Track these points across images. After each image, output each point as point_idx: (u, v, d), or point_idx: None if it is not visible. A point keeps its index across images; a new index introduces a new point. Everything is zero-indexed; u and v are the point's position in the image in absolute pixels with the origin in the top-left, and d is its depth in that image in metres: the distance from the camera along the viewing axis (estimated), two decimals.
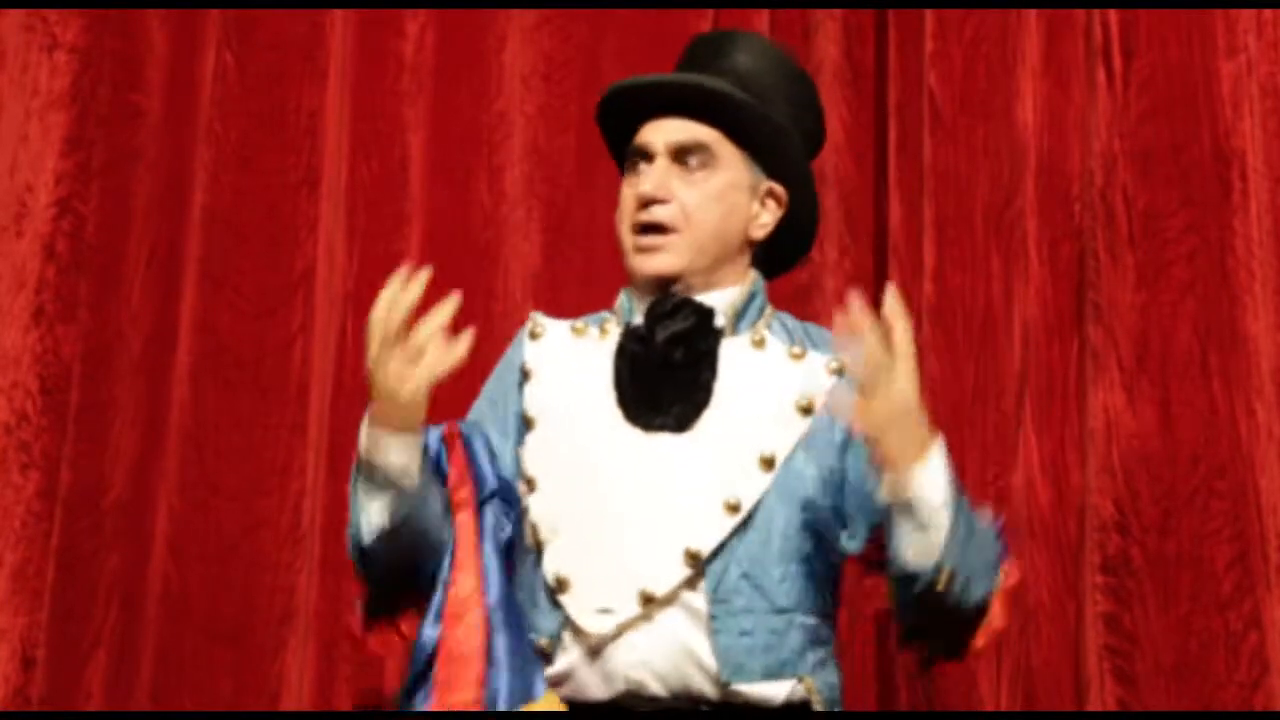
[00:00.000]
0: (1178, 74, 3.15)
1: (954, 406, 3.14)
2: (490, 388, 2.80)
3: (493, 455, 2.66)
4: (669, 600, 2.54)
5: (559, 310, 3.24)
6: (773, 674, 2.56)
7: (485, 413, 2.76)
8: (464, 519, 2.62)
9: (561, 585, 2.57)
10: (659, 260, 2.67)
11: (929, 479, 2.44)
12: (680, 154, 2.68)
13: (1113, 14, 3.17)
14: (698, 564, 2.55)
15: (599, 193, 3.32)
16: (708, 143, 2.69)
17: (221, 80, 3.46)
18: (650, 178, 2.67)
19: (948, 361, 3.17)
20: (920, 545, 2.45)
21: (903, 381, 2.42)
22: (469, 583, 2.58)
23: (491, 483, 2.64)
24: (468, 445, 2.65)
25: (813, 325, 2.83)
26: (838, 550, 2.64)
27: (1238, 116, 3.11)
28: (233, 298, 3.39)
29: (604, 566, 2.56)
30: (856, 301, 2.44)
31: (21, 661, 3.25)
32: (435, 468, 2.63)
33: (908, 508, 2.44)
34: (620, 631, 2.54)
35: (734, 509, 2.57)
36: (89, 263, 3.37)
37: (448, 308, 2.47)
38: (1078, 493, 3.10)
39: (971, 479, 3.08)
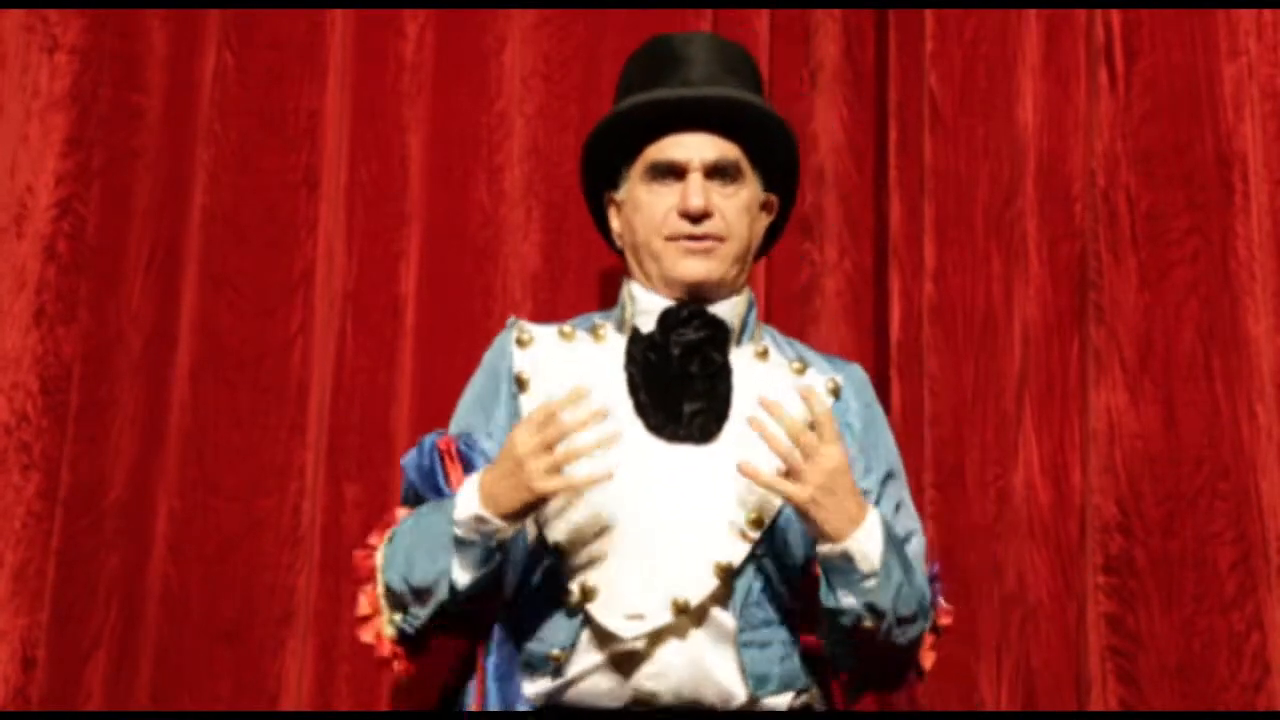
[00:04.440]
0: (1180, 76, 3.15)
1: (954, 406, 3.14)
2: (476, 396, 2.78)
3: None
4: (699, 614, 2.56)
5: (559, 310, 3.26)
6: (787, 685, 2.59)
7: (475, 422, 2.74)
8: None
9: (588, 594, 2.57)
10: (706, 265, 2.70)
11: (865, 538, 2.50)
12: (714, 171, 2.70)
13: (1115, 15, 3.18)
14: (727, 576, 2.56)
15: None
16: (737, 159, 2.71)
17: (221, 80, 3.45)
18: (696, 193, 2.68)
19: (948, 361, 3.17)
20: (853, 589, 2.51)
21: (829, 448, 2.48)
22: None
23: None
24: (466, 462, 2.66)
25: (795, 340, 2.86)
26: None
27: (1239, 119, 3.12)
28: (232, 298, 3.39)
29: (634, 575, 2.56)
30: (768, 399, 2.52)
31: (22, 662, 3.25)
32: (432, 483, 2.65)
33: (844, 560, 2.50)
34: (649, 640, 2.54)
35: (758, 524, 2.58)
36: (89, 263, 3.37)
37: (613, 434, 2.51)
38: (1078, 493, 3.10)
39: (971, 479, 3.09)
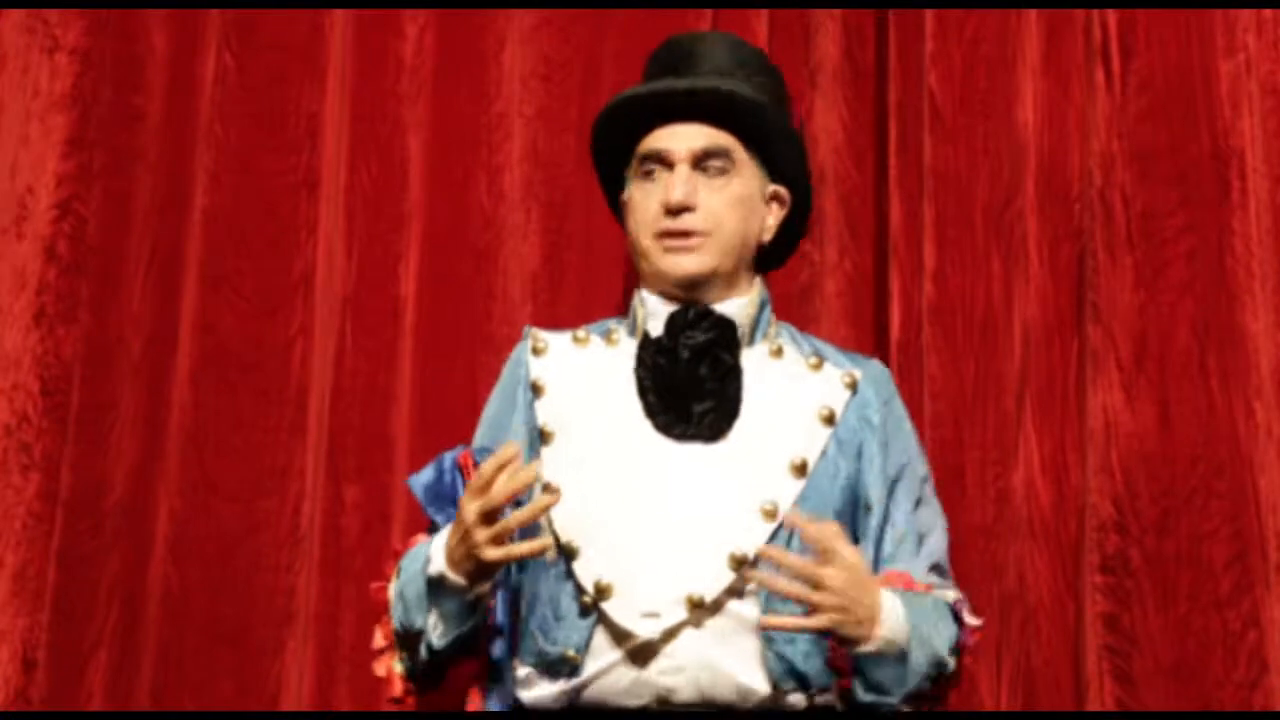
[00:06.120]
0: (1176, 74, 3.15)
1: (954, 406, 3.14)
2: (495, 409, 2.80)
3: None
4: (715, 607, 2.55)
5: (559, 312, 3.26)
6: (816, 681, 2.58)
7: (496, 436, 2.74)
8: None
9: (602, 592, 2.56)
10: (691, 260, 2.69)
11: (888, 630, 2.49)
12: (701, 160, 2.69)
13: (1111, 14, 3.18)
14: (741, 568, 2.55)
15: (598, 195, 3.31)
16: (729, 148, 2.70)
17: (221, 82, 3.46)
18: (679, 185, 2.67)
19: (948, 361, 3.17)
20: (885, 677, 2.51)
21: (833, 570, 2.45)
22: None
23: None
24: None
25: (812, 336, 2.86)
26: None
27: (1236, 116, 3.11)
28: (233, 299, 3.39)
29: (647, 572, 2.56)
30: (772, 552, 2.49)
31: (22, 663, 3.25)
32: (450, 498, 2.63)
33: (873, 656, 2.50)
34: (665, 637, 2.54)
35: (771, 514, 2.58)
36: (89, 264, 3.37)
37: (545, 502, 2.49)
38: (1077, 492, 3.10)
39: (971, 479, 3.09)
